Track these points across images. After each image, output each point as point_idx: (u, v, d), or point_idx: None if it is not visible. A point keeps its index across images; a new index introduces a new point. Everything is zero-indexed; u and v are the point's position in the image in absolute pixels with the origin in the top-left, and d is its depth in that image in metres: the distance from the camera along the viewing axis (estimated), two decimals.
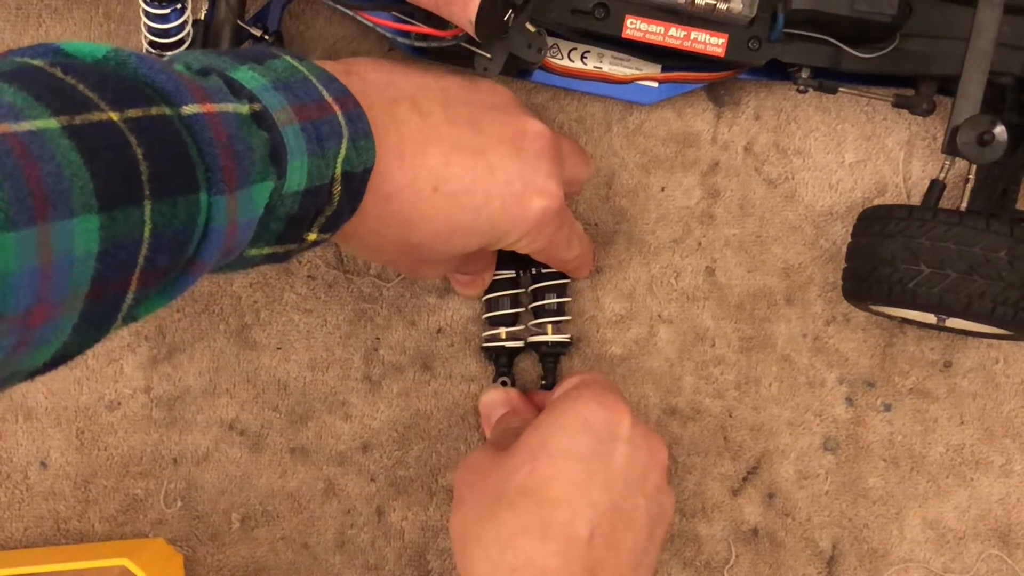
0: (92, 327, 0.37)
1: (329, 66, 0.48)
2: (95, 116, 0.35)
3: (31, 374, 0.37)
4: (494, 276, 0.62)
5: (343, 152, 0.44)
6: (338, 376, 0.65)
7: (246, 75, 0.43)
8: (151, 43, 0.56)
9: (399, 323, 0.65)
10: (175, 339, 0.64)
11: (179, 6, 0.54)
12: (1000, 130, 0.54)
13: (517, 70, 0.60)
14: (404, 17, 0.57)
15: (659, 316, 0.65)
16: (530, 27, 0.56)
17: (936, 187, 0.59)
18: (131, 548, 0.62)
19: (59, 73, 0.36)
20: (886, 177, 0.65)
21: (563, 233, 0.56)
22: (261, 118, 0.41)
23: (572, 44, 0.62)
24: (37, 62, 0.37)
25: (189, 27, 0.56)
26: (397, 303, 0.65)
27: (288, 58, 0.45)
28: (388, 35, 0.57)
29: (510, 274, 0.63)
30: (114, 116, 0.36)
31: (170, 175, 0.37)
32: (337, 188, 0.44)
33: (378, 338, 0.65)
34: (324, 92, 0.44)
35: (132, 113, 0.36)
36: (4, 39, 0.64)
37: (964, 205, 0.58)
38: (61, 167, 0.33)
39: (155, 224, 0.36)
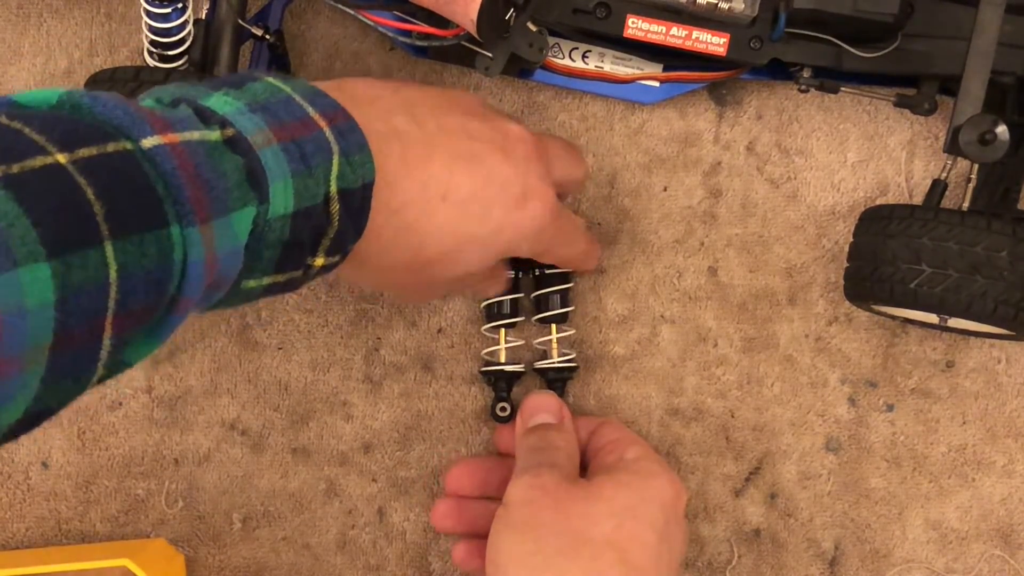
0: (68, 378, 0.36)
1: (319, 85, 0.47)
2: (37, 162, 0.34)
3: (7, 434, 0.36)
4: None
5: (335, 168, 0.42)
6: (339, 376, 0.65)
7: (219, 101, 0.41)
8: (152, 42, 0.56)
9: (400, 323, 0.65)
10: (176, 339, 0.64)
11: (180, 5, 0.54)
12: (1002, 129, 0.54)
13: (519, 69, 0.60)
14: (406, 16, 0.57)
15: (661, 316, 0.65)
16: (531, 26, 0.56)
17: (938, 187, 0.59)
18: (132, 548, 0.62)
19: (3, 120, 0.35)
20: (888, 177, 0.65)
21: (563, 233, 0.56)
22: (235, 142, 0.39)
23: (573, 44, 0.62)
24: None
25: (190, 26, 0.56)
26: (398, 303, 0.65)
27: (271, 80, 0.44)
28: (389, 34, 0.57)
29: (509, 274, 0.62)
30: (62, 158, 0.35)
31: (131, 212, 0.36)
32: (335, 207, 0.43)
33: (379, 338, 0.65)
34: (309, 109, 0.43)
35: (84, 153, 0.35)
36: (5, 38, 0.64)
37: (966, 205, 0.58)
38: None
39: (121, 265, 0.35)
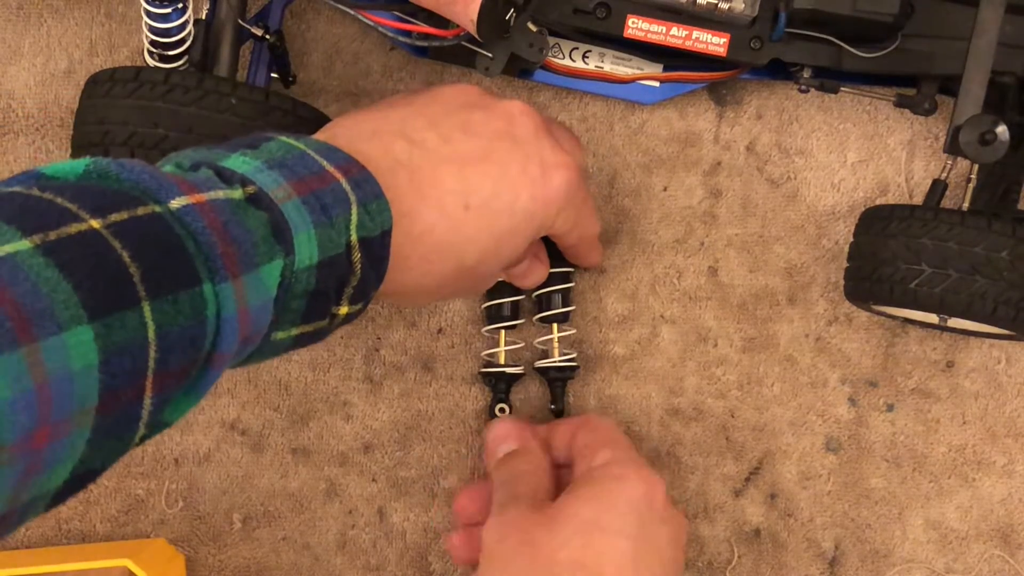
0: (112, 438, 0.36)
1: (317, 136, 0.47)
2: (72, 228, 0.35)
3: (55, 498, 0.37)
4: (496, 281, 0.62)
5: (354, 218, 0.43)
6: (339, 376, 0.65)
7: (237, 161, 0.42)
8: (152, 42, 0.56)
9: (400, 323, 0.65)
10: None
11: (180, 5, 0.54)
12: (1002, 129, 0.54)
13: (519, 70, 0.60)
14: (406, 16, 0.57)
15: (662, 316, 0.65)
16: (532, 27, 0.56)
17: (938, 187, 0.59)
18: (132, 548, 0.62)
19: (36, 192, 0.36)
20: (888, 177, 0.65)
21: (588, 203, 0.57)
22: (257, 199, 0.40)
23: (574, 44, 0.62)
24: (15, 188, 0.36)
25: (190, 27, 0.56)
26: (400, 306, 0.65)
27: (284, 138, 0.45)
28: (389, 35, 0.57)
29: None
30: (95, 224, 0.35)
31: (166, 272, 0.36)
32: (356, 256, 0.44)
33: (379, 338, 0.65)
34: (324, 163, 0.44)
35: (115, 218, 0.36)
36: (5, 38, 0.64)
37: (966, 205, 0.58)
38: (37, 285, 0.33)
39: (159, 324, 0.36)
